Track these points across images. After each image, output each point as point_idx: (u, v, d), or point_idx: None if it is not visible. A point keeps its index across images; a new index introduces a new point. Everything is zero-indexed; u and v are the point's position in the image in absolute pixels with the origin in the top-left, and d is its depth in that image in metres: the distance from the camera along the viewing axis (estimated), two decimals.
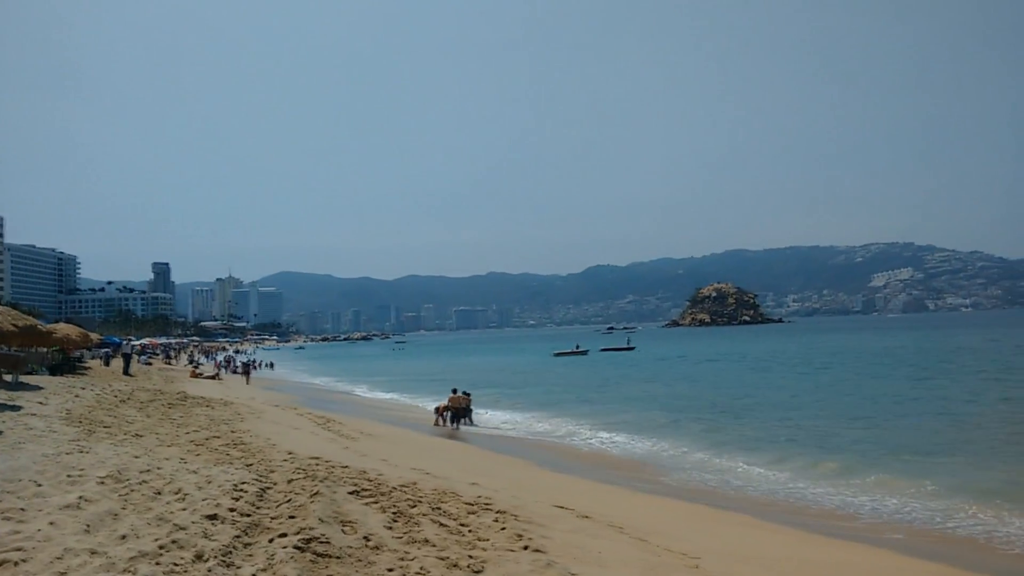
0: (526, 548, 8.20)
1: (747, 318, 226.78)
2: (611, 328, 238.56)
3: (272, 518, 8.37)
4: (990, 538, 11.53)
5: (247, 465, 12.06)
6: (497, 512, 9.97)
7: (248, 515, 8.34)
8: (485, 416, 28.30)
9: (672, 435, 22.32)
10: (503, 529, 8.97)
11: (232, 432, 16.95)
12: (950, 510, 13.10)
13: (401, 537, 8.12)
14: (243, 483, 9.92)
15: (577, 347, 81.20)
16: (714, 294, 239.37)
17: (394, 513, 9.14)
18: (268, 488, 10.01)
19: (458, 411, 25.58)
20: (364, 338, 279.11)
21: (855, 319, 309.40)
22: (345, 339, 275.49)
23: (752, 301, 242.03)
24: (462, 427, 25.24)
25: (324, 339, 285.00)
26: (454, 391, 26.47)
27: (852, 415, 25.35)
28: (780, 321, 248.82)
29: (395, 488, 10.88)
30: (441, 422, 25.56)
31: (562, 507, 11.37)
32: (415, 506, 9.71)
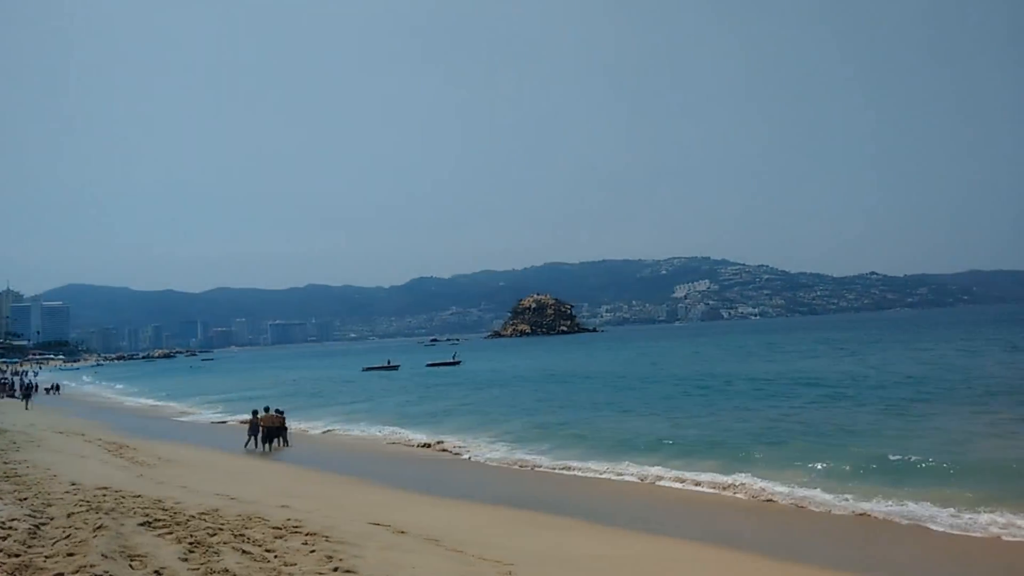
0: (336, 570, 7.94)
1: (564, 328, 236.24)
2: (435, 340, 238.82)
3: (47, 557, 7.48)
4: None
5: (20, 500, 10.72)
6: (307, 535, 9.58)
7: (17, 555, 7.40)
8: (303, 432, 27.20)
9: (501, 438, 22.75)
10: (312, 552, 8.62)
11: (4, 464, 15.01)
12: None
13: (198, 569, 7.56)
14: (12, 520, 8.80)
15: (388, 363, 77.54)
16: (534, 305, 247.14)
17: (191, 543, 8.49)
18: (43, 524, 8.95)
19: (271, 431, 24.29)
20: (166, 355, 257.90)
21: (660, 327, 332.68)
22: (144, 357, 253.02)
23: (569, 311, 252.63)
24: (276, 448, 24.02)
25: (120, 357, 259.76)
26: (266, 409, 25.14)
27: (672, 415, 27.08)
28: (594, 330, 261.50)
29: (194, 516, 10.13)
30: (253, 444, 24.15)
31: (377, 524, 11.15)
32: (215, 534, 9.08)
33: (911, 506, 12.49)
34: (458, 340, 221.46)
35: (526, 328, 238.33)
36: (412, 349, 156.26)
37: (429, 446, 23.28)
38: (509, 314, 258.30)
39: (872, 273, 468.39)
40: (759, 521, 12.77)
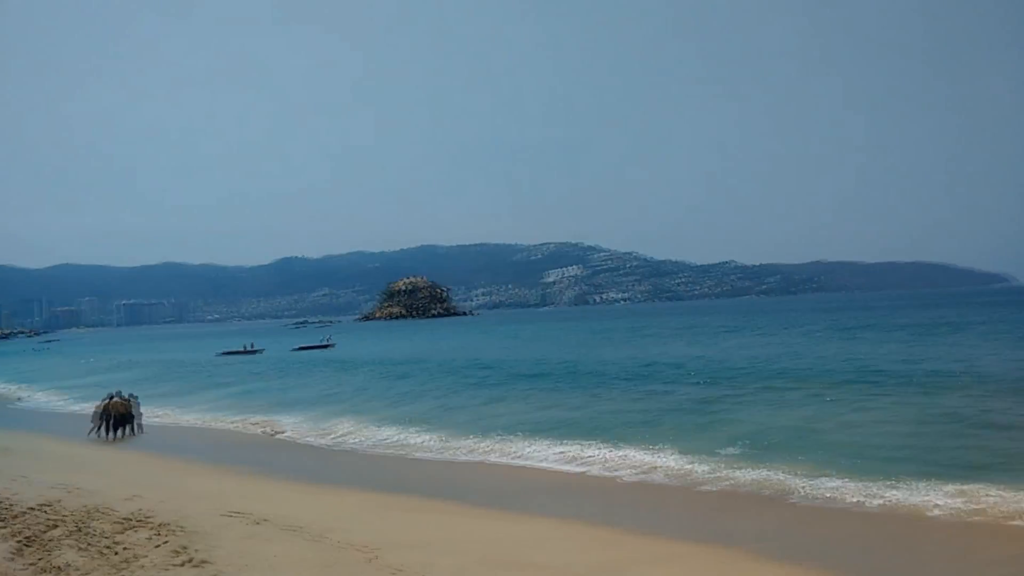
0: (188, 562, 7.60)
1: (438, 311, 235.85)
2: (303, 322, 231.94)
3: None
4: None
5: None
6: (158, 526, 9.10)
7: None
8: (154, 419, 25.70)
9: (376, 423, 22.42)
10: (162, 544, 8.20)
11: None
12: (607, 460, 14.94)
13: (34, 564, 7.01)
14: None
15: (251, 346, 73.17)
16: (407, 288, 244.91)
17: (24, 539, 7.86)
18: None
19: (120, 418, 22.78)
20: (2, 336, 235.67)
21: (532, 311, 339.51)
22: None
23: (443, 295, 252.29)
24: (127, 435, 22.56)
25: None
26: (111, 396, 23.51)
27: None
28: (468, 313, 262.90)
29: (29, 510, 9.38)
30: (99, 432, 22.54)
31: (236, 514, 10.74)
32: (53, 528, 8.46)
33: (768, 478, 13.48)
34: (329, 322, 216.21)
35: (399, 311, 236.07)
36: (279, 332, 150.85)
37: (283, 432, 22.64)
38: (382, 296, 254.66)
39: (730, 261, 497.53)
40: (633, 497, 13.34)
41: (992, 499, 11.25)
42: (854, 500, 11.99)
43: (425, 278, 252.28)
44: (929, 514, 11.04)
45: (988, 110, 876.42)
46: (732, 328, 73.02)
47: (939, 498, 11.57)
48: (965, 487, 11.91)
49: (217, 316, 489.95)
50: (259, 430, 23.61)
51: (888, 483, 12.52)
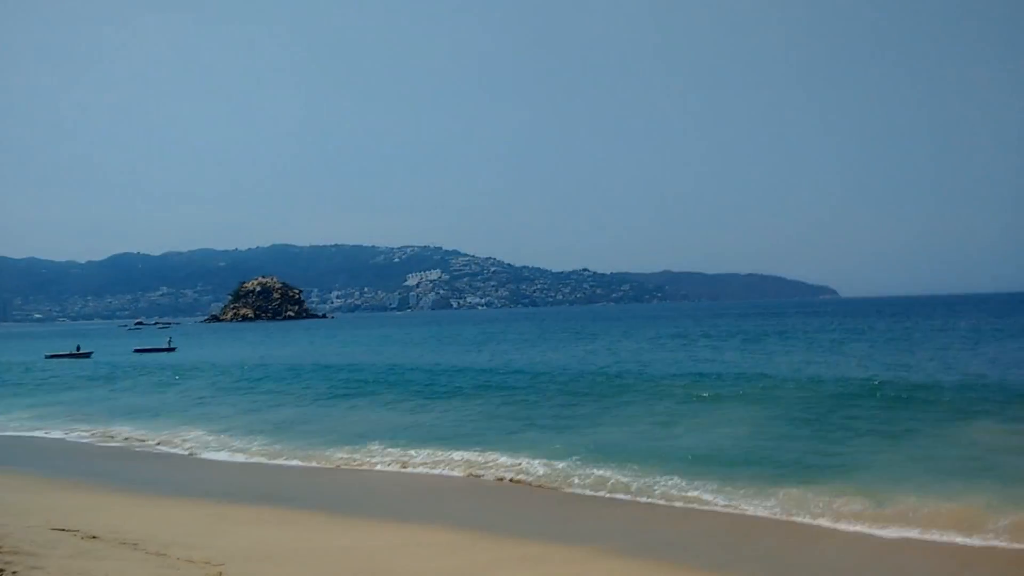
0: None
1: (292, 313, 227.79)
2: (140, 323, 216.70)
3: None
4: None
5: None
6: None
7: None
8: None
9: (226, 432, 21.14)
10: None
11: None
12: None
13: None
14: None
15: (77, 349, 67.39)
16: (259, 288, 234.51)
17: None
18: None
19: None
20: None
21: (392, 315, 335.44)
22: None
23: (297, 296, 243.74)
24: None
25: None
26: None
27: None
28: (324, 316, 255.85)
29: None
30: None
31: (64, 529, 9.78)
32: None
33: (623, 479, 13.96)
34: (169, 324, 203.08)
35: (249, 312, 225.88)
36: (114, 333, 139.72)
37: (119, 441, 20.99)
38: (230, 297, 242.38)
39: (585, 270, 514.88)
40: (495, 501, 13.37)
41: (823, 499, 11.98)
42: (708, 499, 12.61)
43: (278, 279, 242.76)
44: (755, 514, 11.75)
45: (820, 135, 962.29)
46: (588, 334, 75.48)
47: (763, 500, 12.29)
48: (790, 489, 12.66)
49: (40, 315, 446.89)
50: (92, 439, 21.71)
51: (730, 484, 13.21)
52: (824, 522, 11.25)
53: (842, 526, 11.05)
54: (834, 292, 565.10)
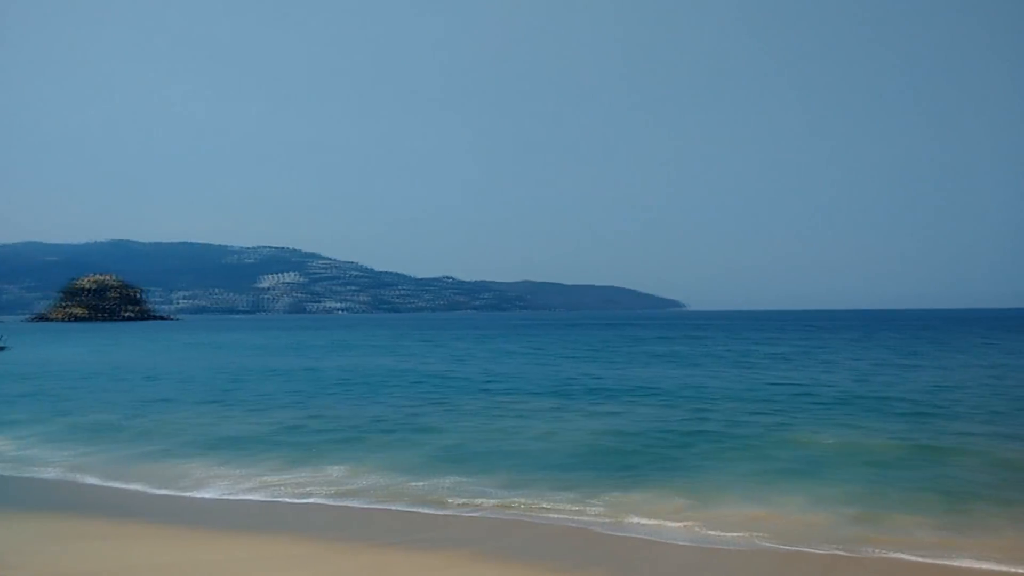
0: None
1: (131, 314, 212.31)
2: None
3: None
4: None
5: None
6: None
7: None
8: None
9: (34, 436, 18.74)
10: None
11: None
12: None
13: None
14: None
15: None
16: (94, 286, 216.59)
17: None
18: None
19: None
20: None
21: (243, 318, 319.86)
22: None
23: (137, 296, 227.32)
24: None
25: None
26: None
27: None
28: (167, 318, 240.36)
29: None
30: None
31: None
32: None
33: (470, 486, 13.58)
34: None
35: (81, 312, 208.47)
36: None
37: None
38: (60, 295, 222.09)
39: (447, 277, 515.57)
40: (334, 514, 12.51)
41: (648, 506, 12.13)
42: (557, 506, 12.38)
43: (116, 276, 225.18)
44: (599, 520, 11.64)
45: (674, 159, 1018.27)
46: (438, 343, 75.26)
47: (596, 504, 12.27)
48: (616, 495, 12.81)
49: None
50: None
51: (573, 490, 13.14)
52: (668, 523, 11.32)
53: (679, 530, 11.06)
54: (681, 305, 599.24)
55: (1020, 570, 9.10)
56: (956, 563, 9.35)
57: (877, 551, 9.82)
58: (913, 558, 9.56)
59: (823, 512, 11.57)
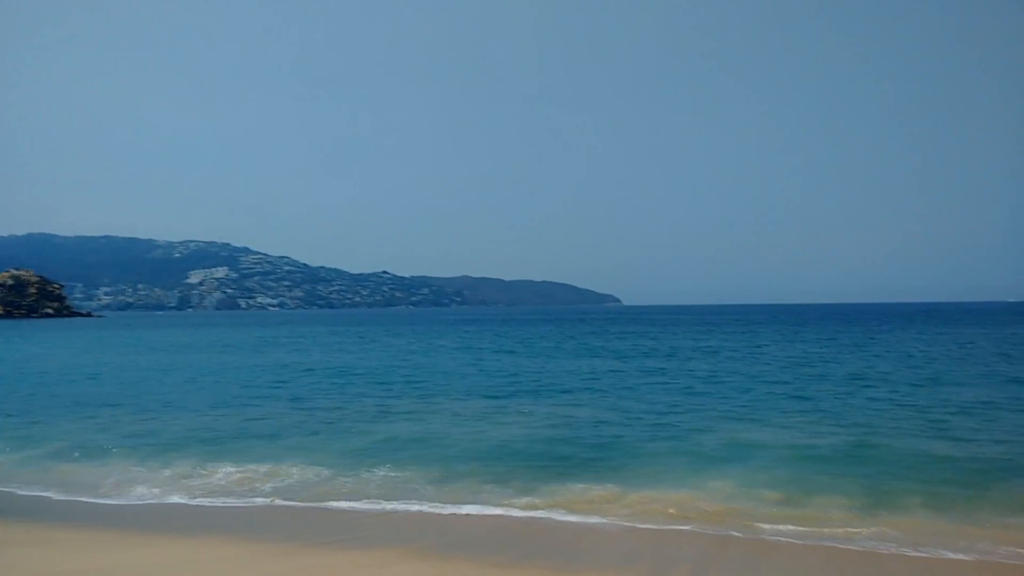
0: None
1: (51, 311, 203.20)
2: None
3: None
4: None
5: None
6: None
7: None
8: None
9: None
10: None
11: None
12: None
13: None
14: None
15: None
16: (11, 282, 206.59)
17: None
18: None
19: None
20: None
21: (170, 314, 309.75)
22: None
23: (58, 292, 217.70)
24: None
25: None
26: None
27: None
28: (90, 315, 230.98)
29: None
30: None
31: None
32: None
33: (405, 484, 13.61)
34: None
35: None
36: None
37: None
38: None
39: (384, 272, 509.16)
40: (271, 514, 12.37)
41: (584, 496, 12.52)
42: (486, 500, 12.55)
43: (34, 272, 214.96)
44: (540, 515, 11.87)
45: (614, 155, 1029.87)
46: (375, 338, 74.62)
47: (533, 497, 12.55)
48: (572, 485, 13.20)
49: None
50: None
51: (508, 486, 13.34)
52: (604, 510, 11.71)
53: (615, 517, 11.46)
54: (618, 300, 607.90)
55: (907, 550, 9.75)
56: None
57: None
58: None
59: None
